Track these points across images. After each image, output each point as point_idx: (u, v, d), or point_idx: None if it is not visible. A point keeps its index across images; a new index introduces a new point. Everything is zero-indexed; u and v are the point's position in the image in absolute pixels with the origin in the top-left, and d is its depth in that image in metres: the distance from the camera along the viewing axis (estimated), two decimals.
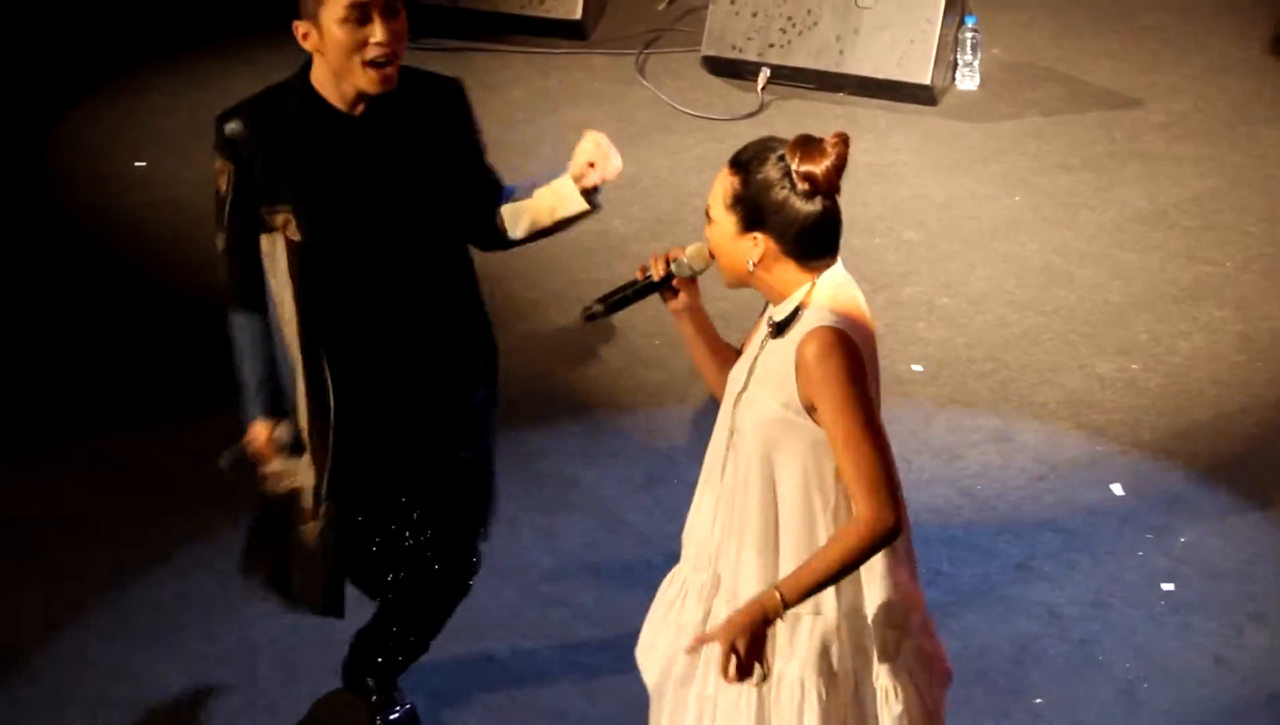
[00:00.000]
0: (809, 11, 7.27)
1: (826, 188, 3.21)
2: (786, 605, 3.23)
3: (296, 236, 3.72)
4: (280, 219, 3.73)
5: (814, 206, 3.23)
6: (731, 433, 3.35)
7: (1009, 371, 5.75)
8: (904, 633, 3.34)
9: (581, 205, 3.80)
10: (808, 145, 3.22)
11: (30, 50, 7.65)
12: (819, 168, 3.20)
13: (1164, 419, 5.53)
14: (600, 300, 3.43)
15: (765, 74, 7.29)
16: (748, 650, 3.23)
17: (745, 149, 3.27)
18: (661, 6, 7.96)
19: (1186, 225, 6.50)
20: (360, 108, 3.71)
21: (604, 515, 5.10)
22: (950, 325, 5.98)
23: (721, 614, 3.39)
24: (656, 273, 3.40)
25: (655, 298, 3.46)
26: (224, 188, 3.76)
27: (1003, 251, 6.38)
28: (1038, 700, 4.51)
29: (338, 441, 3.86)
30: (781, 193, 3.22)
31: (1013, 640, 4.68)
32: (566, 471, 5.25)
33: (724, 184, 3.26)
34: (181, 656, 4.63)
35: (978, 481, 5.26)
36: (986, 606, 4.77)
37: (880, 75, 7.19)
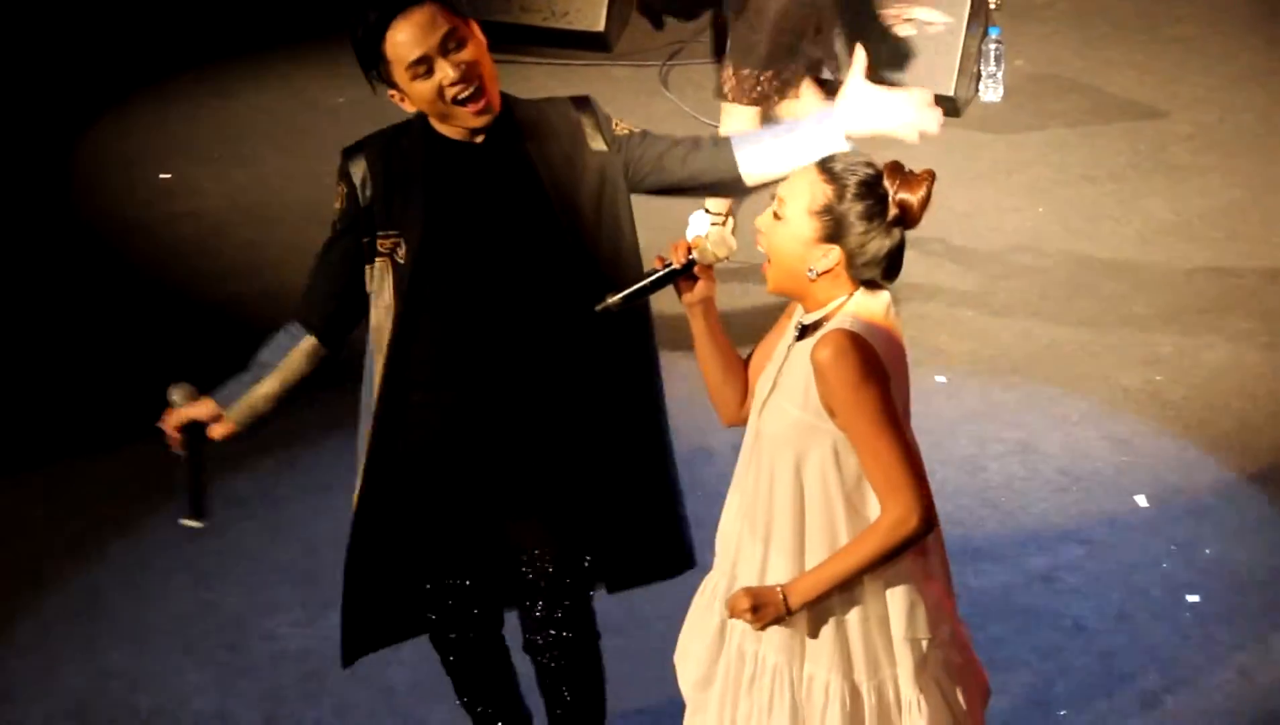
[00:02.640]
0: None
1: (914, 219, 3.23)
2: (789, 608, 3.24)
3: (403, 261, 3.69)
4: (389, 243, 3.71)
5: (894, 236, 3.24)
6: (756, 438, 3.36)
7: (1033, 383, 5.74)
8: (932, 644, 3.34)
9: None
10: (904, 173, 3.24)
11: (58, 60, 7.68)
12: (915, 197, 3.22)
13: (1189, 431, 5.52)
14: (615, 291, 3.39)
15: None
16: (755, 613, 3.23)
17: (839, 160, 3.26)
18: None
19: (1212, 237, 6.49)
20: (480, 137, 3.68)
21: None
22: (974, 337, 5.98)
23: (737, 622, 3.40)
24: (677, 260, 3.37)
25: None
26: (336, 212, 3.78)
27: (1026, 263, 6.37)
28: (1062, 713, 4.50)
29: (377, 482, 3.83)
30: (873, 216, 3.22)
31: (1037, 652, 4.67)
32: None
33: (813, 189, 3.24)
34: (206, 666, 4.64)
35: (1001, 493, 5.25)
36: (1010, 618, 4.77)
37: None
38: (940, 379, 5.74)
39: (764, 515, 3.34)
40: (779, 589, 3.25)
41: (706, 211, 6.33)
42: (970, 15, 7.16)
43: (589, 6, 7.64)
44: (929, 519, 3.23)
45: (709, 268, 3.39)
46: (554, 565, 3.86)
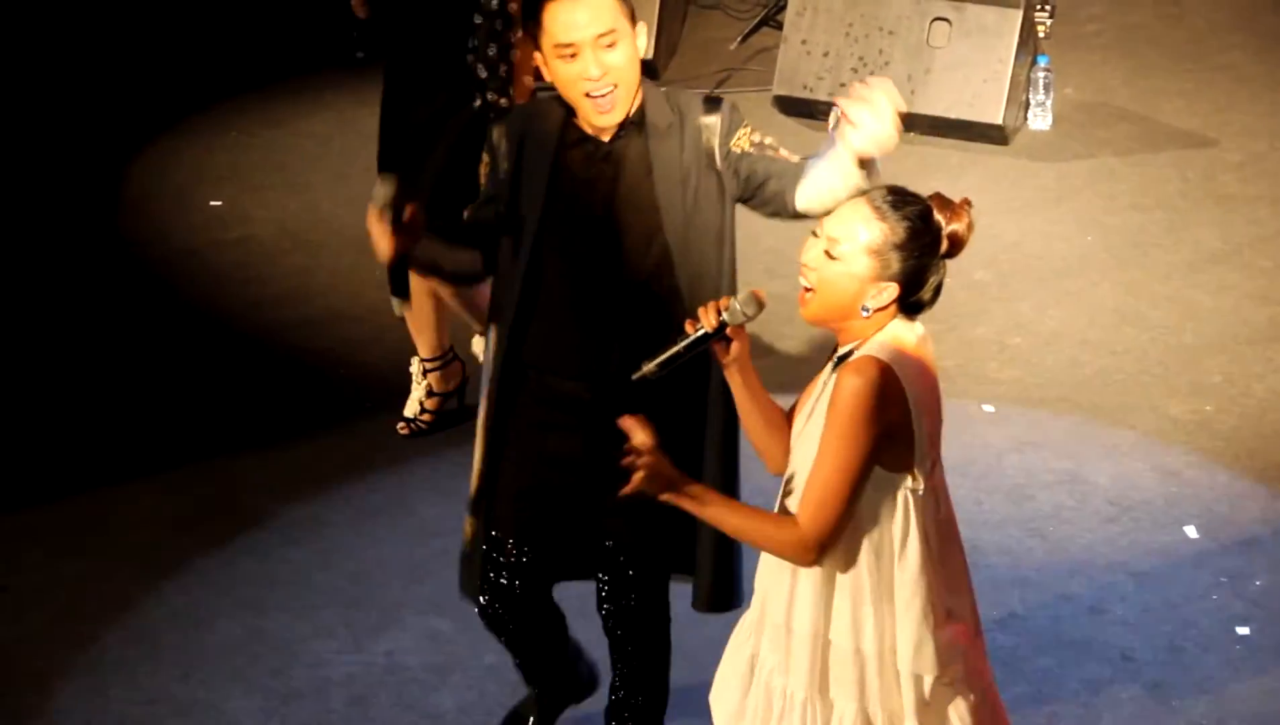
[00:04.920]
0: (880, 51, 7.28)
1: (960, 249, 3.25)
2: (669, 495, 3.22)
3: (524, 241, 3.80)
4: (514, 220, 3.83)
5: (943, 269, 3.27)
6: (791, 473, 3.35)
7: (1081, 412, 5.72)
8: (939, 683, 3.29)
9: (855, 181, 3.49)
10: (950, 204, 3.26)
11: (109, 87, 7.74)
12: (962, 227, 3.24)
13: (1238, 461, 5.48)
14: (650, 360, 3.38)
15: (836, 113, 7.28)
16: (649, 474, 3.22)
17: (891, 196, 3.25)
18: (733, 46, 7.99)
19: (1261, 265, 6.46)
20: (608, 135, 3.76)
21: None
22: (1022, 365, 5.96)
23: (767, 657, 3.38)
24: (709, 324, 3.34)
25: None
26: (482, 179, 3.90)
27: (1074, 291, 6.35)
28: None
29: (496, 453, 3.93)
30: (927, 251, 3.23)
31: (1085, 683, 4.65)
32: None
33: (868, 227, 3.23)
34: (254, 693, 4.65)
35: (1050, 523, 5.23)
36: (1059, 649, 4.74)
37: (952, 115, 7.18)
38: (988, 407, 5.72)
39: None
40: (683, 487, 3.23)
41: None
42: (1019, 44, 7.16)
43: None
44: (816, 562, 3.24)
45: (741, 327, 3.37)
46: (636, 550, 3.95)
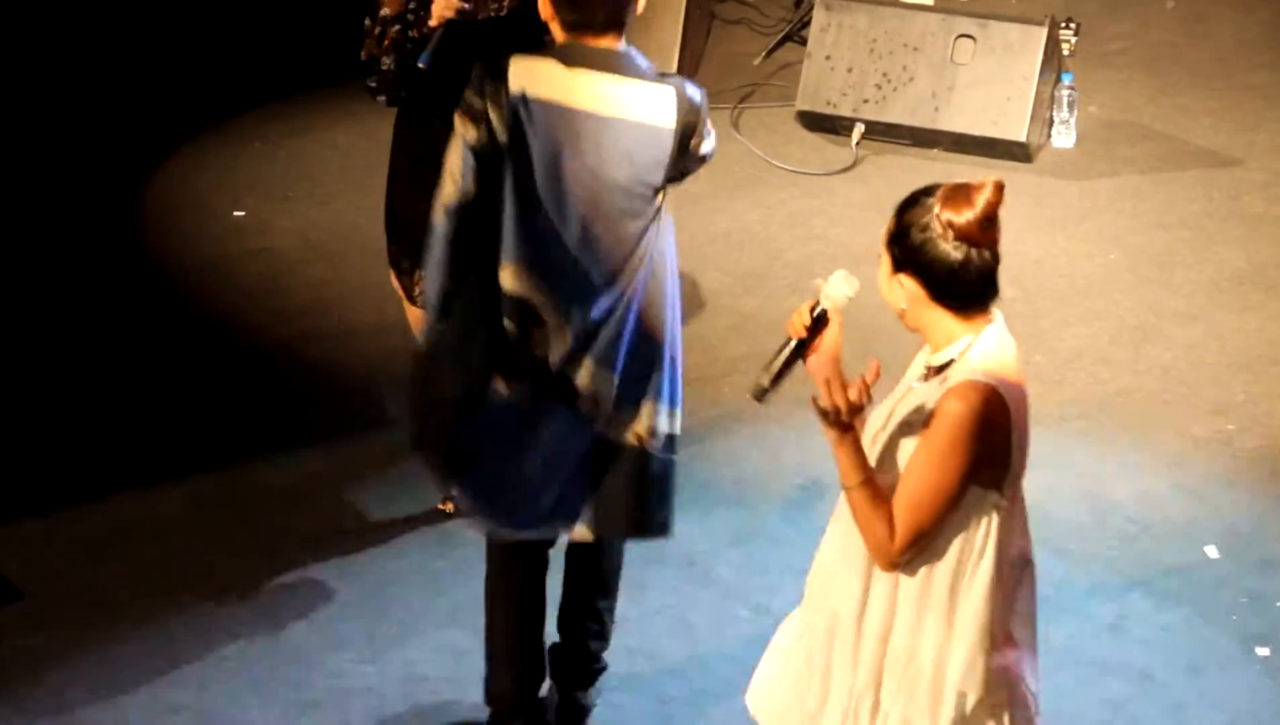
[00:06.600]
0: (904, 67, 7.28)
1: (970, 237, 3.21)
2: (842, 431, 3.21)
3: None
4: None
5: (958, 254, 3.22)
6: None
7: (1103, 430, 5.71)
8: (980, 705, 3.29)
9: None
10: (955, 193, 3.23)
11: (131, 96, 7.76)
12: (962, 217, 3.21)
13: (1261, 481, 5.47)
14: (763, 372, 3.33)
15: (860, 129, 7.30)
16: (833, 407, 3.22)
17: (913, 193, 3.29)
18: (757, 61, 7.99)
19: None
20: None
21: (692, 569, 5.10)
22: (1043, 383, 5.94)
23: (836, 657, 3.36)
24: (807, 318, 3.32)
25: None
26: None
27: (1097, 309, 6.34)
28: None
29: None
30: (926, 236, 3.22)
31: (1105, 702, 4.63)
32: None
33: (888, 224, 3.30)
34: (272, 703, 4.65)
35: (1070, 541, 5.21)
36: (1078, 668, 4.73)
37: (975, 132, 7.18)
38: None
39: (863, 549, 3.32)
40: (856, 447, 3.22)
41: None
42: (1043, 61, 7.15)
43: (660, 50, 7.66)
44: (890, 570, 3.26)
45: (829, 322, 3.33)
46: None
